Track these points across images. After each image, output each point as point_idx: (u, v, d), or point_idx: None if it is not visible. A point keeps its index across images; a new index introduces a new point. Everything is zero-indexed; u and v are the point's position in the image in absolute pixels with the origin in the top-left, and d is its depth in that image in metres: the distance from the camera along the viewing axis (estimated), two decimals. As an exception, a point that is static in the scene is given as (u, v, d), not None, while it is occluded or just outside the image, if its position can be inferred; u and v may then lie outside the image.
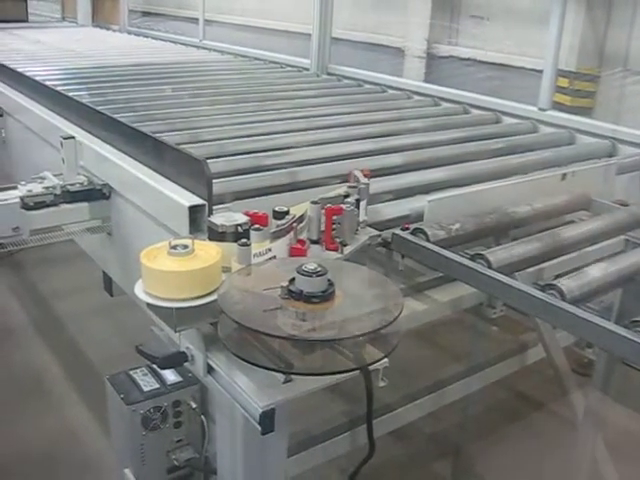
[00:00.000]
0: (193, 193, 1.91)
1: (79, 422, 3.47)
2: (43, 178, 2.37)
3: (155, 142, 2.19)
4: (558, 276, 1.88)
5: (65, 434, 3.40)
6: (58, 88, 3.26)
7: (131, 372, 1.94)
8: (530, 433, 3.42)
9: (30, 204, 2.25)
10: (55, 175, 2.37)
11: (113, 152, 2.39)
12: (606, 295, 1.95)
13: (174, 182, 2.03)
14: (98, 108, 2.68)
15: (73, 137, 2.39)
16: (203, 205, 1.84)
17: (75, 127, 2.71)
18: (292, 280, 1.44)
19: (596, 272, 1.88)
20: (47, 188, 2.30)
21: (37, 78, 3.47)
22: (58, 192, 2.31)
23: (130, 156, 2.31)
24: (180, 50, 6.11)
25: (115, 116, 2.56)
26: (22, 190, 2.26)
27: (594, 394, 2.59)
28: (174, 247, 1.57)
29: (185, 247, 1.57)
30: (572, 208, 2.44)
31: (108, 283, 2.75)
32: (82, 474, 3.14)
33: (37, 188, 2.29)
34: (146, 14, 9.18)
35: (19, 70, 3.65)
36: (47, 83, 3.33)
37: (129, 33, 7.17)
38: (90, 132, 2.61)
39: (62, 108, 2.91)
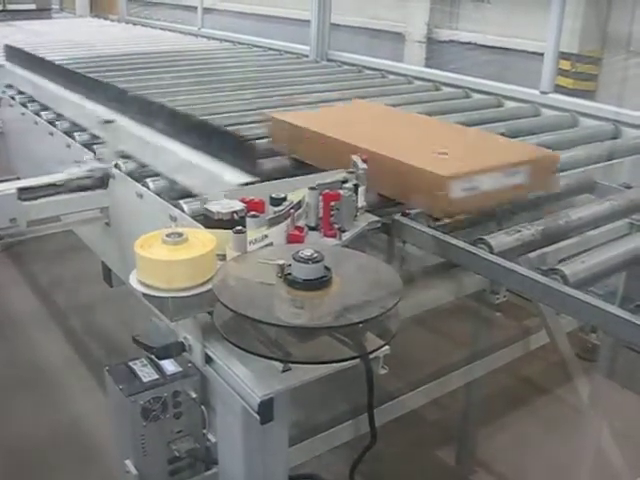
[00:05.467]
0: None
1: (80, 412, 3.47)
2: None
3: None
4: (561, 260, 1.86)
5: (66, 424, 3.40)
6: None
7: (130, 363, 1.92)
8: (534, 419, 3.41)
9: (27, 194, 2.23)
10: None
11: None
12: (610, 279, 1.92)
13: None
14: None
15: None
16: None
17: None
18: (288, 267, 1.42)
19: (600, 256, 1.86)
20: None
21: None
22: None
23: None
24: (179, 39, 6.06)
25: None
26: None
27: (598, 379, 2.57)
28: (168, 235, 1.55)
29: (179, 235, 1.55)
30: (576, 191, 2.41)
31: (107, 274, 2.73)
32: (83, 465, 3.14)
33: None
34: (144, 3, 9.12)
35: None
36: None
37: (127, 22, 7.12)
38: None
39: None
